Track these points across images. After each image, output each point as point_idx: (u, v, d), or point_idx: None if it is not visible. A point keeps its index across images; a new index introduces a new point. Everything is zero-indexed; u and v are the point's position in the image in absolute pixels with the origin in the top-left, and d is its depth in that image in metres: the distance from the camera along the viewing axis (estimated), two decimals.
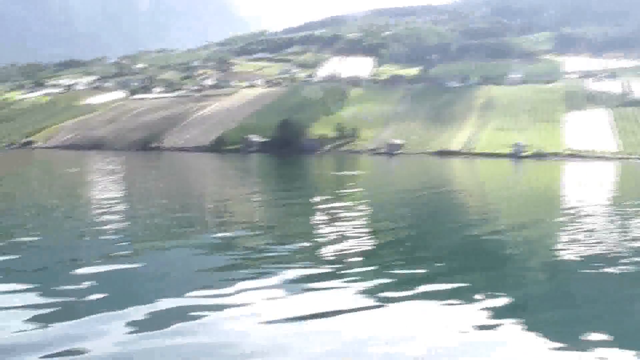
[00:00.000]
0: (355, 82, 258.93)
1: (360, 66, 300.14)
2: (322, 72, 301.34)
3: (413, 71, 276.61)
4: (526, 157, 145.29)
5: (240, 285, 11.89)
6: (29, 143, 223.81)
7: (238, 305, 10.61)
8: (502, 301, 11.18)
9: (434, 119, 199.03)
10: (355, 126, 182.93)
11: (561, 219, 26.36)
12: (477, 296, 11.25)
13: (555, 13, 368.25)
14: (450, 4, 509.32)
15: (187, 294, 11.20)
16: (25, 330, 9.31)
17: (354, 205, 28.52)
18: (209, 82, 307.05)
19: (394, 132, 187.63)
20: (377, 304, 10.72)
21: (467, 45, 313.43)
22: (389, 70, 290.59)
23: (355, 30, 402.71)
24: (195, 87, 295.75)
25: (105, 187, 42.21)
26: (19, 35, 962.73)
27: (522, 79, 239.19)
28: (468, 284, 12.39)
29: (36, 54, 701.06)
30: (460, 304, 10.78)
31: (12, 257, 14.70)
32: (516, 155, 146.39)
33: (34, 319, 9.82)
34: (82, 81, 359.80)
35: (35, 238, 18.03)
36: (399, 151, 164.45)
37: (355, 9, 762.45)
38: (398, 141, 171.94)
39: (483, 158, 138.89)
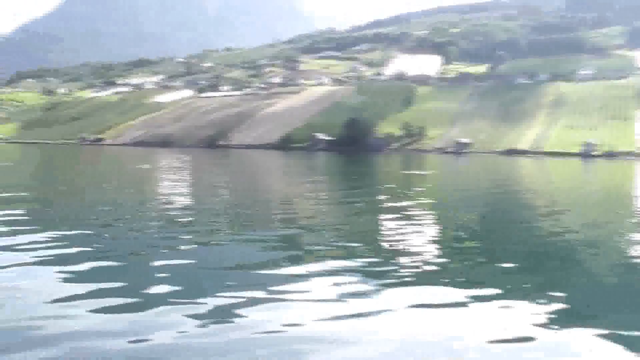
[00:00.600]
0: (422, 80, 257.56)
1: (428, 64, 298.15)
2: (389, 70, 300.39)
3: (481, 68, 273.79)
4: (597, 156, 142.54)
5: (302, 282, 12.08)
6: (99, 140, 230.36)
7: (299, 301, 10.77)
8: (568, 302, 11.05)
9: (502, 117, 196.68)
10: (422, 125, 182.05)
11: (633, 220, 25.77)
12: (542, 297, 11.16)
13: (627, 6, 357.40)
14: None
15: (249, 289, 11.36)
16: (93, 319, 9.61)
17: (420, 205, 28.35)
18: (276, 80, 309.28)
19: (461, 130, 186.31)
20: (440, 302, 10.74)
21: (537, 40, 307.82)
22: (457, 67, 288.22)
23: (423, 28, 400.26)
24: (263, 85, 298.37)
25: (173, 183, 42.96)
26: (90, 35, 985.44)
27: (593, 75, 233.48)
28: (534, 284, 12.29)
29: (107, 53, 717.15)
30: (525, 304, 10.70)
31: (81, 248, 15.18)
32: (586, 154, 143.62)
33: (101, 309, 10.09)
34: (151, 80, 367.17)
35: (105, 230, 18.69)
36: (466, 150, 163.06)
37: (424, 6, 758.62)
38: (466, 140, 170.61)
39: (552, 157, 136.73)
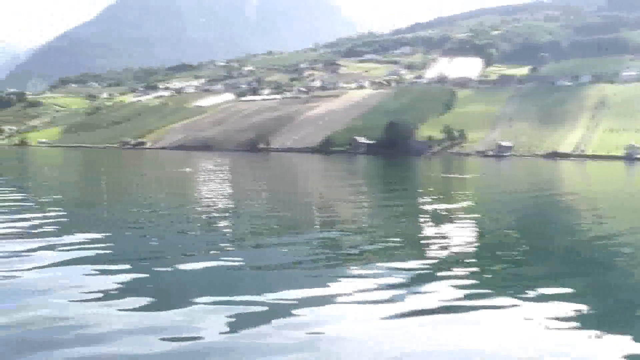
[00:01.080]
0: (463, 82, 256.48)
1: (469, 66, 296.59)
2: (430, 73, 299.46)
3: (522, 70, 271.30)
4: None
5: (341, 283, 12.37)
6: (141, 144, 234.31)
7: (339, 303, 11.01)
8: (607, 307, 11.41)
9: (544, 119, 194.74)
10: (463, 127, 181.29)
11: None
12: (580, 301, 11.39)
13: None
14: None
15: (289, 290, 11.65)
16: (135, 317, 10.12)
17: (461, 209, 28.81)
18: (316, 83, 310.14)
19: (502, 133, 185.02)
20: (479, 304, 11.07)
21: (579, 41, 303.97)
22: (498, 70, 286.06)
23: (464, 30, 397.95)
24: (303, 89, 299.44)
25: (215, 186, 43.61)
26: (134, 41, 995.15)
27: (637, 76, 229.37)
28: (573, 288, 12.45)
29: (150, 58, 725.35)
30: (564, 307, 10.92)
31: (124, 248, 16.14)
32: (630, 157, 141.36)
33: (144, 307, 10.66)
34: (192, 84, 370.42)
35: (147, 232, 19.44)
36: (508, 153, 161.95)
37: (464, 8, 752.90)
38: (507, 143, 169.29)
39: (595, 160, 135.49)
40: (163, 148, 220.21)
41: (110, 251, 15.48)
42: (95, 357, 8.63)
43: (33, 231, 18.37)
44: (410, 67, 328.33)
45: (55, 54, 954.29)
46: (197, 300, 11.05)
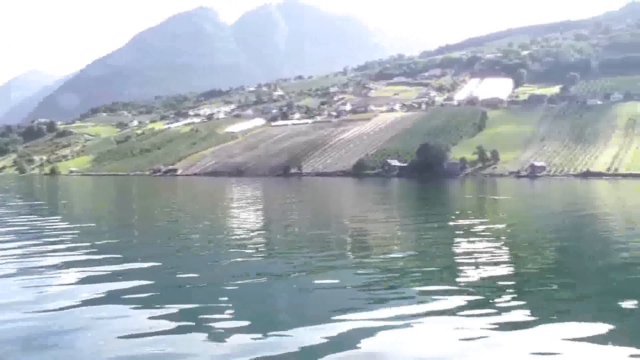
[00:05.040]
0: (493, 103, 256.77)
1: (499, 87, 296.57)
2: (460, 94, 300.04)
3: (553, 90, 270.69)
4: None
5: (380, 309, 12.33)
6: (172, 170, 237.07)
7: (383, 329, 11.01)
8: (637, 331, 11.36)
9: (576, 139, 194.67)
10: (495, 148, 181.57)
11: None
12: (613, 324, 11.39)
13: None
14: (592, 17, 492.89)
15: (332, 318, 11.61)
16: (172, 341, 10.29)
17: (497, 230, 29.02)
18: (347, 107, 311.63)
19: (534, 153, 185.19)
20: (513, 327, 11.20)
21: (609, 60, 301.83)
22: (529, 90, 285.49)
23: (494, 51, 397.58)
24: (334, 113, 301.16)
25: (250, 213, 43.38)
26: (165, 68, 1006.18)
27: None
28: (608, 311, 12.50)
29: (181, 85, 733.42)
30: (599, 331, 10.97)
31: (159, 277, 16.15)
32: None
33: (176, 330, 10.86)
34: (223, 110, 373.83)
35: (179, 263, 18.99)
36: (541, 173, 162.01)
37: (493, 29, 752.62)
38: (540, 163, 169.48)
39: (629, 179, 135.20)
40: (195, 174, 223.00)
41: (143, 282, 15.25)
42: None
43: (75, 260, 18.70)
44: (440, 89, 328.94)
45: (87, 83, 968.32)
46: (232, 330, 11.05)
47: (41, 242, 23.17)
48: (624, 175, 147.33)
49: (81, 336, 10.66)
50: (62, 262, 18.21)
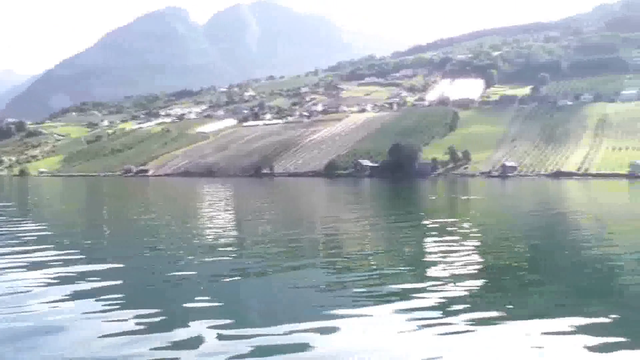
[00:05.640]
0: (465, 104, 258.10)
1: (470, 88, 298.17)
2: (432, 95, 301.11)
3: (524, 91, 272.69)
4: None
5: (351, 308, 12.27)
6: (144, 171, 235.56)
7: (354, 328, 10.97)
8: (615, 328, 11.15)
9: (547, 139, 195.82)
10: (467, 149, 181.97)
11: None
12: (589, 321, 11.36)
13: None
14: (563, 19, 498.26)
15: (303, 317, 11.63)
16: (144, 341, 10.10)
17: (468, 229, 28.88)
18: (318, 107, 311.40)
19: (505, 153, 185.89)
20: (485, 324, 11.16)
21: (579, 61, 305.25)
22: (500, 90, 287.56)
23: (465, 52, 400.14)
24: (306, 113, 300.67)
25: (221, 213, 43.10)
26: (135, 68, 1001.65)
27: (637, 94, 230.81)
28: (579, 307, 12.57)
29: (152, 86, 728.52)
30: (570, 326, 10.96)
31: (130, 278, 16.02)
32: (634, 175, 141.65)
33: (148, 330, 10.72)
34: (194, 110, 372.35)
35: (149, 263, 19.00)
36: (513, 173, 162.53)
37: (464, 30, 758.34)
38: (512, 163, 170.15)
39: (599, 179, 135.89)
40: (166, 175, 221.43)
41: (114, 282, 15.09)
42: None
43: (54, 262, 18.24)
44: (411, 89, 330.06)
45: (55, 83, 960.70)
46: (204, 332, 10.83)
47: (11, 244, 22.85)
48: (594, 175, 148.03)
49: (50, 338, 10.48)
50: (30, 263, 18.07)
